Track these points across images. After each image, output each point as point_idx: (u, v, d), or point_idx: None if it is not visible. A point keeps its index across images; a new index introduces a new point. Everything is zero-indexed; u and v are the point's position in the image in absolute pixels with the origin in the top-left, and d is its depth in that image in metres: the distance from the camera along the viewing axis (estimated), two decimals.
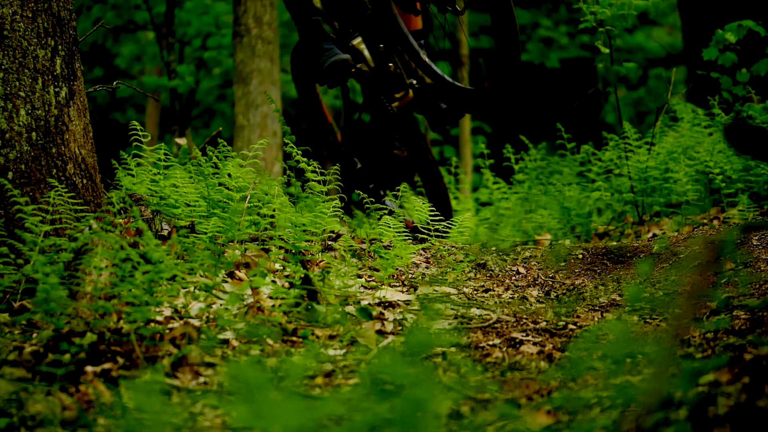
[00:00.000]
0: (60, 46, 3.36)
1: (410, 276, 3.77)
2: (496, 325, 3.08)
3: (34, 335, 2.71)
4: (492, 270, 4.00)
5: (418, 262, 4.00)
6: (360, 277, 3.57)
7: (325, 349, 2.76)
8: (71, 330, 2.59)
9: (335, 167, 4.00)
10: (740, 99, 5.81)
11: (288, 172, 4.10)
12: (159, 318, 2.85)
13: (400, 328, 3.01)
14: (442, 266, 3.95)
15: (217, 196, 3.86)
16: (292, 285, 3.19)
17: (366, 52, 4.90)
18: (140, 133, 4.01)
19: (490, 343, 2.89)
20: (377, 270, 3.60)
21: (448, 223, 4.13)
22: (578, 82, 14.21)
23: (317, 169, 3.92)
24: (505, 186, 6.78)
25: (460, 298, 3.49)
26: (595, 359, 2.56)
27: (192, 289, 2.98)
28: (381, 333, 2.93)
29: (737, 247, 3.86)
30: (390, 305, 3.27)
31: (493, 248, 4.46)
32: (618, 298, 3.56)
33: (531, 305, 3.46)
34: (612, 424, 2.00)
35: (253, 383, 1.85)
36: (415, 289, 3.54)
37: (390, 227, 3.76)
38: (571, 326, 3.09)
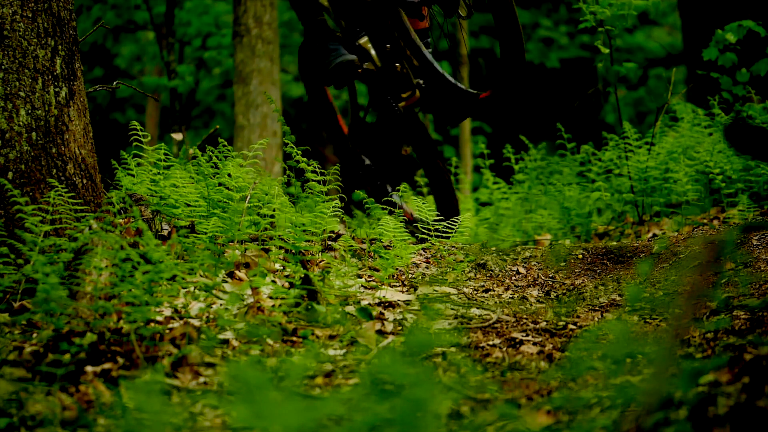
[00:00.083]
0: (60, 46, 3.36)
1: (410, 276, 3.77)
2: (496, 325, 3.08)
3: (34, 335, 2.71)
4: (492, 270, 4.00)
5: (418, 262, 4.00)
6: (360, 277, 3.57)
7: (325, 349, 2.76)
8: (71, 330, 2.59)
9: (335, 167, 4.00)
10: (740, 99, 5.81)
11: (288, 172, 4.10)
12: (159, 318, 2.85)
13: (400, 328, 3.01)
14: (442, 266, 3.95)
15: (217, 196, 3.86)
16: (292, 285, 3.19)
17: (372, 51, 4.89)
18: (140, 133, 4.01)
19: (490, 343, 2.89)
20: (377, 270, 3.60)
21: (449, 223, 4.13)
22: (578, 82, 14.21)
23: (317, 169, 3.92)
24: (505, 186, 6.78)
25: (460, 298, 3.49)
26: (595, 359, 2.56)
27: (192, 289, 2.98)
28: (381, 333, 2.94)
29: (737, 247, 3.86)
30: (390, 305, 3.27)
31: (493, 248, 4.46)
32: (618, 298, 3.56)
33: (531, 305, 3.46)
34: (612, 424, 2.00)
35: (253, 383, 1.85)
36: (415, 289, 3.54)
37: (390, 227, 3.76)
38: (571, 326, 3.09)
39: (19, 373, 2.46)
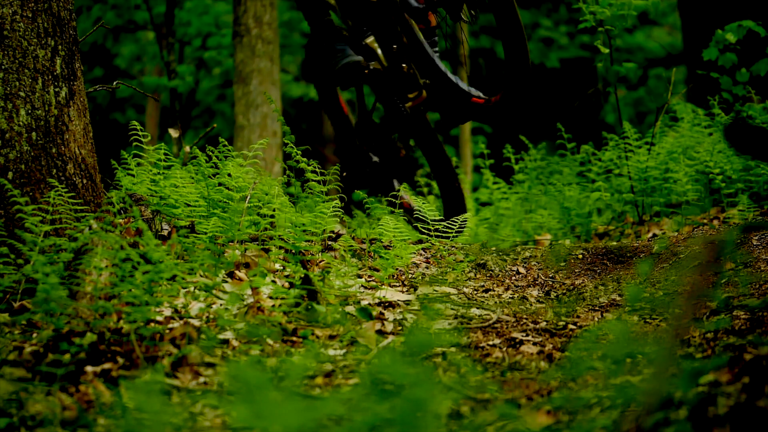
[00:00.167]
0: (60, 46, 3.36)
1: (410, 276, 3.77)
2: (496, 325, 3.08)
3: (34, 335, 2.71)
4: (492, 270, 4.00)
5: (418, 262, 4.00)
6: (360, 277, 3.57)
7: (325, 349, 2.76)
8: (71, 330, 2.59)
9: (335, 167, 4.00)
10: (740, 99, 5.81)
11: (288, 172, 4.10)
12: (159, 318, 2.85)
13: (400, 328, 3.01)
14: (442, 266, 3.95)
15: (217, 196, 3.86)
16: (292, 285, 3.19)
17: (379, 51, 4.89)
18: (140, 133, 4.01)
19: (490, 343, 2.89)
20: (377, 270, 3.60)
21: (453, 222, 4.13)
22: (578, 82, 14.21)
23: (317, 169, 3.92)
24: (505, 186, 6.78)
25: (460, 298, 3.49)
26: (595, 359, 2.56)
27: (192, 289, 2.98)
28: (381, 333, 2.93)
29: (737, 247, 3.86)
30: (390, 305, 3.27)
31: (493, 248, 4.46)
32: (618, 298, 3.56)
33: (531, 305, 3.46)
34: (612, 424, 2.00)
35: (253, 383, 1.85)
36: (415, 289, 3.54)
37: (390, 227, 3.76)
38: (571, 326, 3.09)
39: (19, 373, 2.46)
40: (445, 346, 2.75)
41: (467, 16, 4.63)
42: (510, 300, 3.55)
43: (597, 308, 3.41)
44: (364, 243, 3.99)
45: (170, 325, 2.78)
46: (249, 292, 3.08)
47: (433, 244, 4.18)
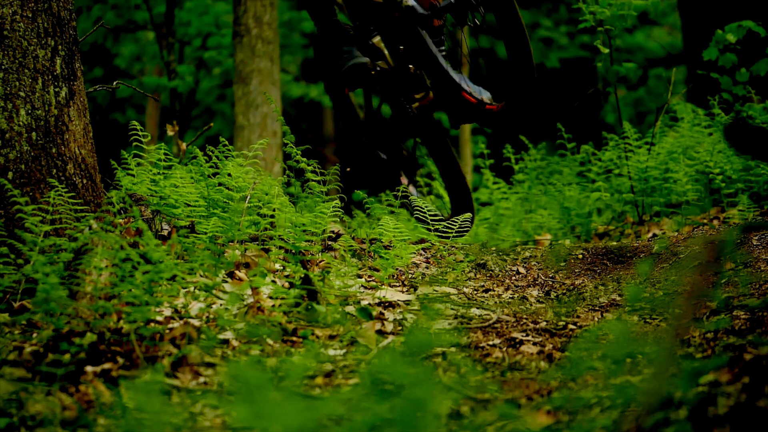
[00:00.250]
0: (60, 46, 3.36)
1: (410, 276, 3.77)
2: (496, 325, 3.08)
3: (34, 335, 2.71)
4: (492, 270, 4.00)
5: (418, 262, 4.00)
6: (360, 277, 3.57)
7: (325, 349, 2.76)
8: (71, 330, 2.59)
9: (335, 167, 4.00)
10: (740, 99, 5.81)
11: (288, 172, 4.10)
12: (159, 318, 2.85)
13: (400, 328, 3.01)
14: (442, 266, 3.95)
15: (217, 196, 3.86)
16: (292, 285, 3.19)
17: (386, 51, 4.88)
18: (140, 133, 4.01)
19: (490, 343, 2.89)
20: (377, 270, 3.60)
21: (455, 221, 4.14)
22: (578, 82, 14.21)
23: (317, 169, 3.93)
24: (505, 186, 6.78)
25: (460, 298, 3.49)
26: (595, 359, 2.56)
27: (192, 289, 2.98)
28: (381, 333, 2.93)
29: (737, 247, 3.86)
30: (390, 305, 3.27)
31: (493, 248, 4.46)
32: (618, 298, 3.56)
33: (531, 305, 3.46)
34: (612, 424, 2.00)
35: (253, 383, 1.85)
36: (415, 289, 3.54)
37: (390, 227, 3.76)
38: (571, 326, 3.09)
39: (19, 373, 2.46)
40: (445, 346, 2.75)
41: (472, 21, 4.63)
42: (510, 300, 3.55)
43: (597, 308, 3.41)
44: (364, 243, 3.99)
45: (170, 325, 2.78)
46: (249, 292, 3.08)
47: (433, 244, 4.18)
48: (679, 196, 5.45)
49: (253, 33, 7.68)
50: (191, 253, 3.23)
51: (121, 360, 2.55)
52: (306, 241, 3.64)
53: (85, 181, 3.40)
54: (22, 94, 3.27)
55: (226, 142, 4.13)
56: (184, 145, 4.58)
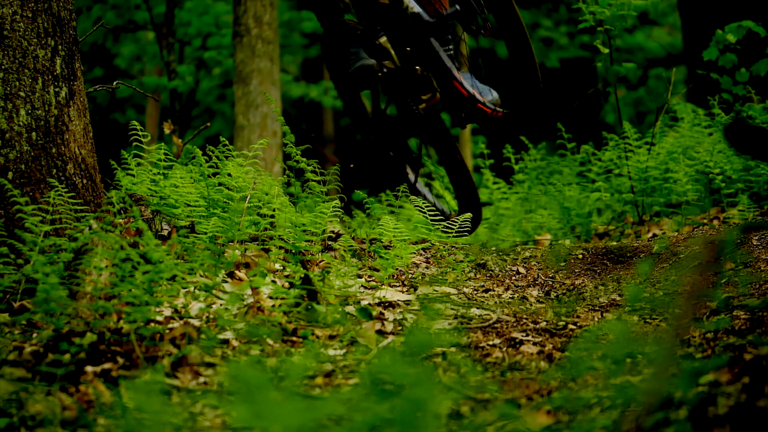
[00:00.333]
0: (60, 46, 3.36)
1: (410, 276, 3.77)
2: (496, 325, 3.08)
3: (34, 335, 2.71)
4: (492, 270, 4.00)
5: (418, 262, 4.00)
6: (360, 277, 3.57)
7: (325, 349, 2.76)
8: (71, 330, 2.59)
9: (335, 167, 4.00)
10: (740, 99, 5.81)
11: (288, 172, 4.10)
12: (159, 318, 2.85)
13: (400, 328, 3.01)
14: (442, 266, 3.95)
15: (217, 196, 3.86)
16: (292, 285, 3.19)
17: (392, 51, 4.87)
18: (140, 133, 4.01)
19: (490, 343, 2.89)
20: (377, 270, 3.60)
21: (450, 223, 4.14)
22: (578, 82, 14.21)
23: (317, 169, 3.93)
24: (505, 186, 6.78)
25: (460, 298, 3.49)
26: (595, 359, 2.56)
27: (192, 289, 2.98)
28: (381, 333, 2.93)
29: (737, 247, 3.86)
30: (390, 305, 3.27)
31: (493, 248, 4.46)
32: (618, 298, 3.56)
33: (531, 305, 3.46)
34: (612, 424, 2.00)
35: (253, 383, 1.85)
36: (415, 289, 3.54)
37: (390, 227, 3.76)
38: (571, 326, 3.09)
39: (19, 373, 2.46)
40: (445, 346, 2.75)
41: (477, 28, 4.63)
42: (510, 300, 3.55)
43: (597, 308, 3.41)
44: (364, 243, 3.99)
45: (170, 325, 2.78)
46: (249, 292, 3.08)
47: (433, 244, 4.18)
48: (679, 196, 5.45)
49: (253, 33, 7.68)
50: (191, 253, 3.23)
51: (121, 360, 2.55)
52: (306, 241, 3.64)
53: (85, 181, 3.40)
54: (22, 94, 3.27)
55: (227, 142, 4.13)
56: (179, 141, 4.58)
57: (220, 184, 3.90)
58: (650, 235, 5.04)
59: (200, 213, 3.78)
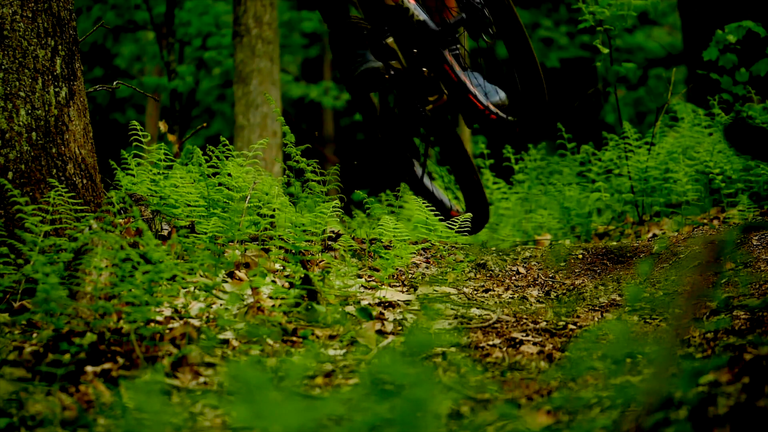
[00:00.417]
0: (60, 46, 3.36)
1: (410, 276, 3.77)
2: (496, 325, 3.08)
3: (34, 335, 2.71)
4: (492, 270, 4.00)
5: (418, 262, 4.00)
6: (360, 277, 3.57)
7: (325, 349, 2.76)
8: (71, 330, 2.59)
9: (335, 167, 4.00)
10: (740, 99, 5.81)
11: (288, 172, 4.10)
12: (159, 318, 2.85)
13: (400, 328, 3.01)
14: (442, 266, 3.95)
15: (217, 196, 3.86)
16: (292, 285, 3.19)
17: (399, 52, 4.87)
18: (140, 133, 4.01)
19: (490, 343, 2.89)
20: (377, 270, 3.60)
21: (450, 223, 4.14)
22: (578, 82, 14.21)
23: (317, 169, 3.93)
24: (505, 186, 6.78)
25: (460, 298, 3.49)
26: (595, 359, 2.56)
27: (192, 289, 2.98)
28: (381, 333, 2.94)
29: (737, 247, 3.86)
30: (390, 305, 3.27)
31: (493, 248, 4.46)
32: (618, 298, 3.56)
33: (531, 305, 3.46)
34: (612, 424, 2.00)
35: (253, 383, 1.85)
36: (415, 289, 3.54)
37: (390, 227, 3.76)
38: (571, 326, 3.09)
39: (19, 373, 2.46)
40: (445, 346, 2.75)
41: (485, 36, 4.63)
42: (510, 300, 3.55)
43: (597, 308, 3.41)
44: (364, 243, 3.99)
45: (170, 325, 2.78)
46: (249, 292, 3.08)
47: (433, 244, 4.18)
48: (679, 196, 5.45)
49: (253, 33, 7.68)
50: (191, 253, 3.23)
51: (121, 360, 2.55)
52: (306, 241, 3.65)
53: (85, 181, 3.40)
54: (22, 94, 3.27)
55: (227, 142, 4.13)
56: (174, 137, 4.58)
57: (220, 184, 3.90)
58: (650, 235, 5.04)
59: (200, 213, 3.78)
